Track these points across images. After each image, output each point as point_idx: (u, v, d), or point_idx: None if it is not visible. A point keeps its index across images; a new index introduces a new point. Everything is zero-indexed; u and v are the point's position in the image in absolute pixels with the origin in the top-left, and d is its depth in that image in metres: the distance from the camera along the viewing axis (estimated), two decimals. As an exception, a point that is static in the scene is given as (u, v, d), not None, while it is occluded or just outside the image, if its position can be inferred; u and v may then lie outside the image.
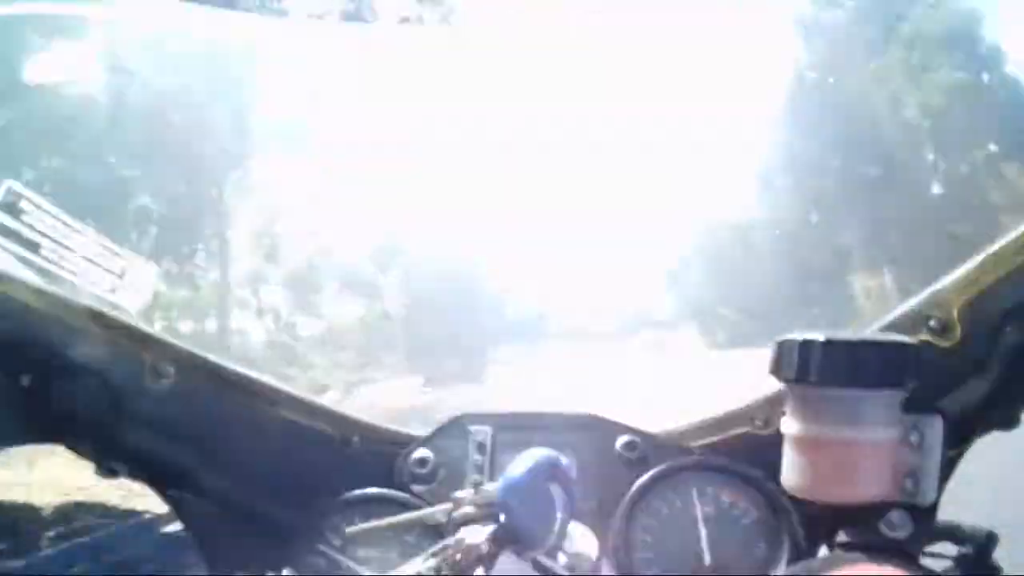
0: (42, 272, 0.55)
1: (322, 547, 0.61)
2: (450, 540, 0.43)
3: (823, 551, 0.55)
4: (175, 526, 0.66)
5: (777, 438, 0.51)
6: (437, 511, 0.49)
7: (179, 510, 0.63)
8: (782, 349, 0.48)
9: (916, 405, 0.48)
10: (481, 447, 0.65)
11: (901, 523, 0.48)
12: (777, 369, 0.49)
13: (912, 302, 0.54)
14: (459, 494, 0.47)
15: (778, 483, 0.51)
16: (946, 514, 0.51)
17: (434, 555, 0.43)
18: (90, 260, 0.57)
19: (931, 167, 10.54)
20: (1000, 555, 0.51)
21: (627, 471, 0.62)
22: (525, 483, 0.43)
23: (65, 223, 0.56)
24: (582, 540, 0.50)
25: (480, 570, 0.41)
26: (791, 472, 0.49)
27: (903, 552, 0.47)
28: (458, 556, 0.42)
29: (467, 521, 0.44)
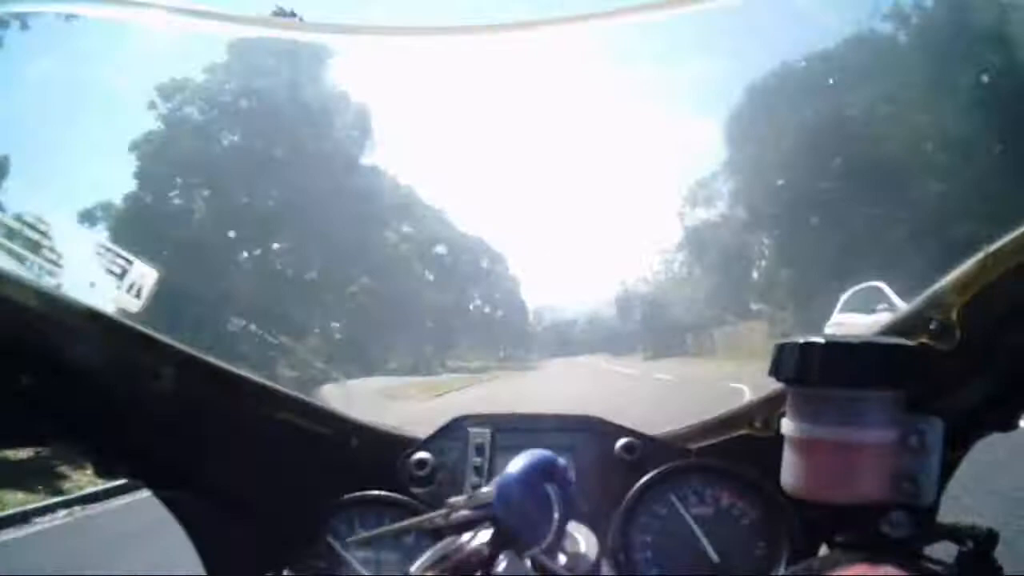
0: (43, 273, 0.55)
1: (321, 548, 0.61)
2: (448, 543, 0.43)
3: (823, 552, 0.55)
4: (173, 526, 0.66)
5: (776, 439, 0.51)
6: (433, 516, 0.49)
7: (178, 511, 0.63)
8: (782, 351, 0.48)
9: (916, 406, 0.48)
10: (480, 449, 0.65)
11: (901, 523, 0.48)
12: (777, 370, 0.49)
13: (912, 304, 0.54)
14: (453, 500, 0.47)
15: (777, 484, 0.51)
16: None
17: (433, 560, 0.43)
18: (90, 262, 0.57)
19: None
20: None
21: (626, 473, 0.62)
22: (519, 483, 0.43)
23: (69, 224, 0.56)
24: (582, 541, 0.49)
25: (480, 572, 0.41)
26: (791, 473, 0.49)
27: (903, 552, 0.47)
28: (457, 560, 0.42)
29: (464, 524, 0.44)
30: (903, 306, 0.56)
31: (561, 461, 0.46)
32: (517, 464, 0.44)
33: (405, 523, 0.55)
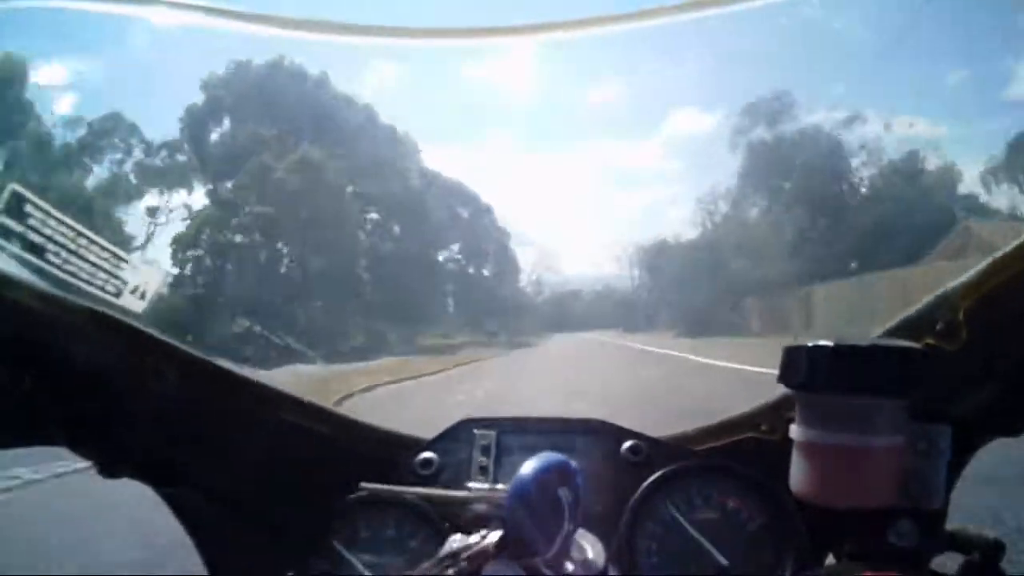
0: (46, 275, 0.55)
1: (326, 549, 0.61)
2: (455, 544, 0.43)
3: (830, 558, 0.54)
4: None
5: (782, 443, 0.51)
6: (451, 494, 0.49)
7: (181, 512, 0.63)
8: (790, 356, 0.48)
9: (923, 410, 0.48)
10: (486, 450, 0.65)
11: (908, 531, 0.48)
12: (786, 376, 0.49)
13: (919, 305, 0.54)
14: (473, 484, 0.47)
15: (784, 488, 0.50)
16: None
17: (440, 560, 0.42)
18: (94, 263, 0.56)
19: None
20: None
21: (632, 475, 0.62)
22: (534, 489, 0.43)
23: (70, 227, 0.55)
24: (588, 546, 0.49)
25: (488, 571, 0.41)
26: (799, 478, 0.49)
27: (910, 560, 0.47)
28: (464, 561, 0.41)
29: (477, 519, 0.44)
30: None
31: (573, 465, 0.45)
32: (530, 467, 0.43)
33: (426, 491, 0.55)
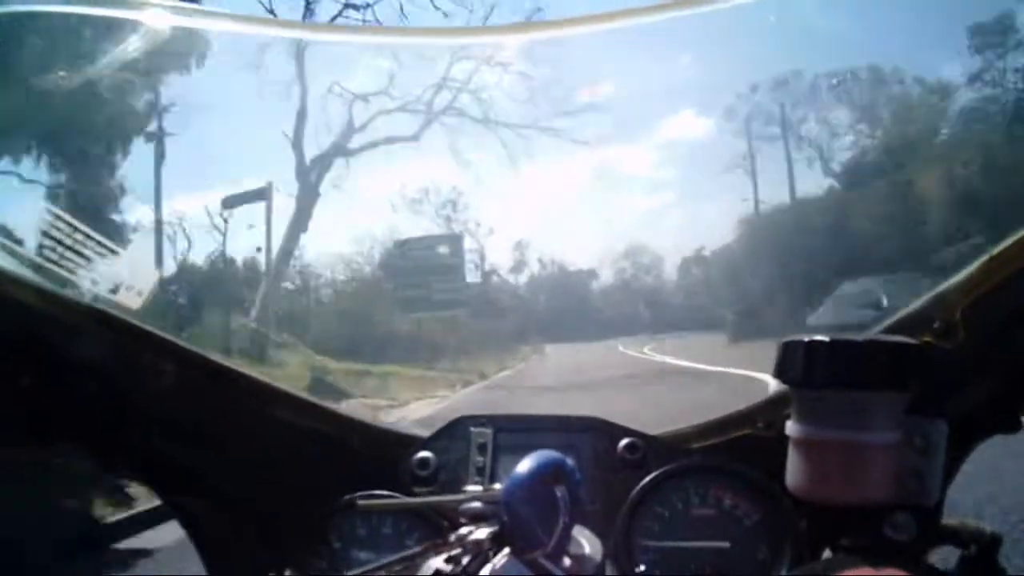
0: (44, 272, 0.55)
1: (323, 548, 0.61)
2: (452, 537, 0.43)
3: (826, 554, 0.55)
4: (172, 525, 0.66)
5: (779, 440, 0.51)
6: (445, 500, 0.49)
7: (179, 510, 0.63)
8: (787, 351, 0.48)
9: (920, 407, 0.48)
10: (482, 448, 0.65)
11: (905, 525, 0.48)
12: (782, 371, 0.49)
13: (916, 303, 0.54)
14: (469, 487, 0.47)
15: (781, 485, 0.50)
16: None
17: (435, 550, 0.43)
18: (90, 259, 0.56)
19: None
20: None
21: (629, 473, 0.62)
22: (529, 484, 0.43)
23: (68, 223, 0.56)
24: (585, 543, 0.49)
25: (486, 569, 0.41)
26: (795, 474, 0.49)
27: (907, 554, 0.47)
28: (459, 552, 0.42)
29: (473, 516, 0.44)
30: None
31: (570, 463, 0.45)
32: (526, 465, 0.43)
33: (420, 500, 0.55)
